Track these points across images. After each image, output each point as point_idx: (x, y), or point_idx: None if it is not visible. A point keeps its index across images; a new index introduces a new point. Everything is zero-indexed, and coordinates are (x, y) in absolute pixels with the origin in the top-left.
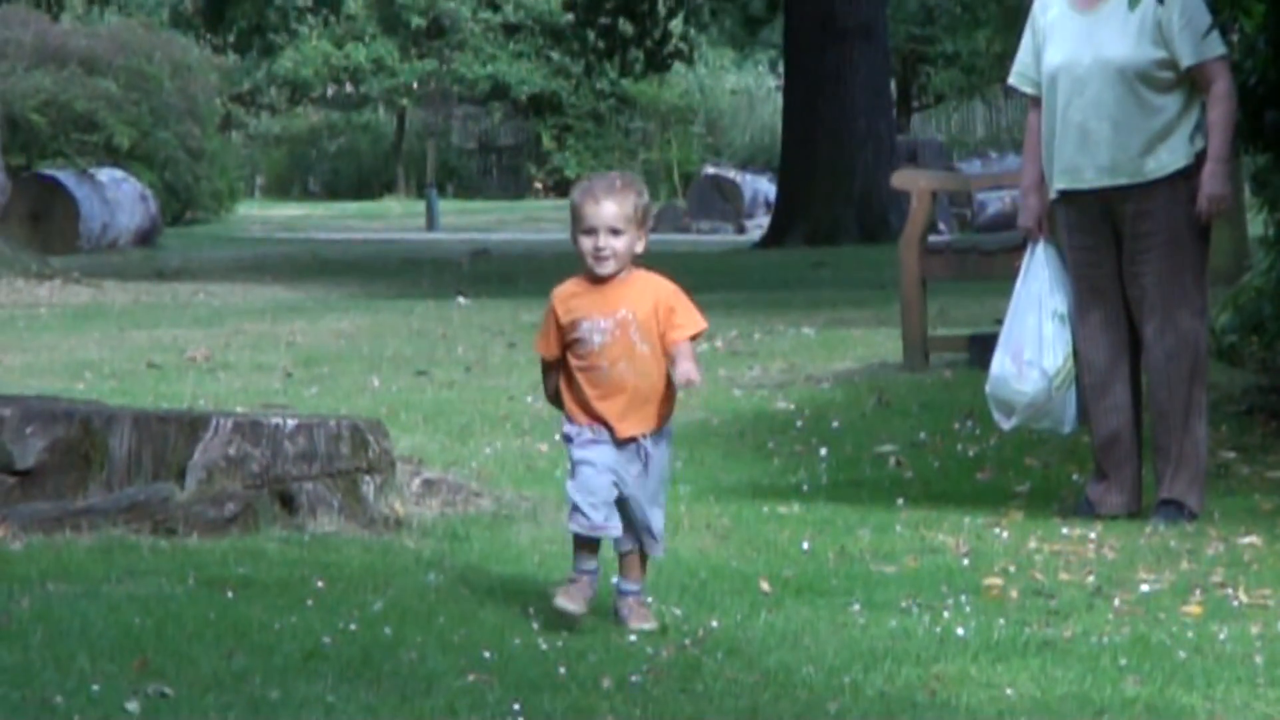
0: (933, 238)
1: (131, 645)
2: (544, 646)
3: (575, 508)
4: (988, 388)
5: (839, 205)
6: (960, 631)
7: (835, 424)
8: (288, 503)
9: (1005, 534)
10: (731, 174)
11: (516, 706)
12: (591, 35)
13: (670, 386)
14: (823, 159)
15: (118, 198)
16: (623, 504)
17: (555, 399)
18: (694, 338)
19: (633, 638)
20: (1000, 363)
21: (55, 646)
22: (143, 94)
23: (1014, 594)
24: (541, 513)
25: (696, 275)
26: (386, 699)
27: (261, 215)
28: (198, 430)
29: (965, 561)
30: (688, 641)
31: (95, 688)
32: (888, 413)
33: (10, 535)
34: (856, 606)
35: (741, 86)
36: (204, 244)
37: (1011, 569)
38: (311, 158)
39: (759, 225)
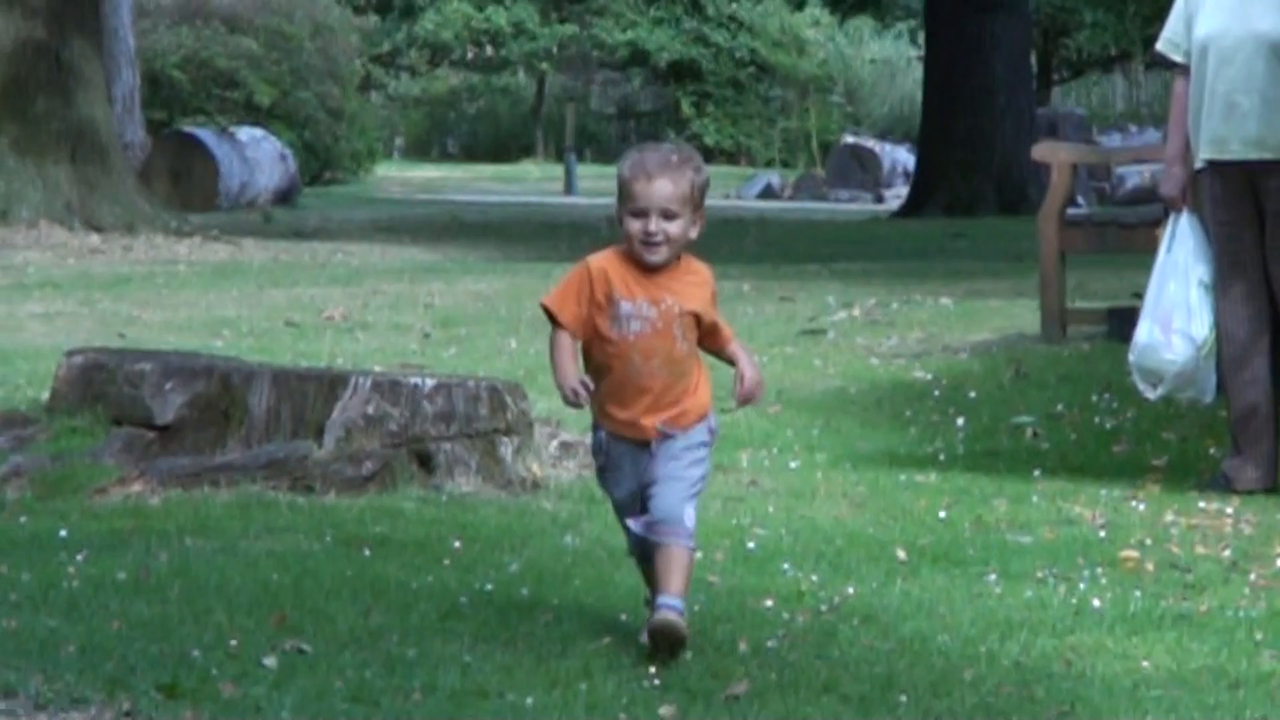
0: (1071, 210)
1: (269, 601)
2: None
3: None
4: (1132, 357)
5: (978, 177)
6: (1096, 603)
7: (972, 394)
8: (425, 462)
9: (1142, 507)
10: (870, 144)
11: (651, 670)
12: None
13: (702, 389)
14: (962, 130)
15: (257, 156)
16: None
17: (575, 397)
18: None
19: (769, 603)
20: (1148, 331)
21: (193, 601)
22: (283, 53)
23: (1150, 567)
24: None
25: (834, 244)
26: (522, 660)
27: (400, 176)
28: (337, 389)
29: (1101, 534)
30: (823, 608)
31: (233, 642)
32: (1025, 384)
33: (149, 490)
34: (992, 576)
35: (881, 56)
36: (342, 204)
37: (1148, 542)
38: (450, 120)
39: (897, 195)
